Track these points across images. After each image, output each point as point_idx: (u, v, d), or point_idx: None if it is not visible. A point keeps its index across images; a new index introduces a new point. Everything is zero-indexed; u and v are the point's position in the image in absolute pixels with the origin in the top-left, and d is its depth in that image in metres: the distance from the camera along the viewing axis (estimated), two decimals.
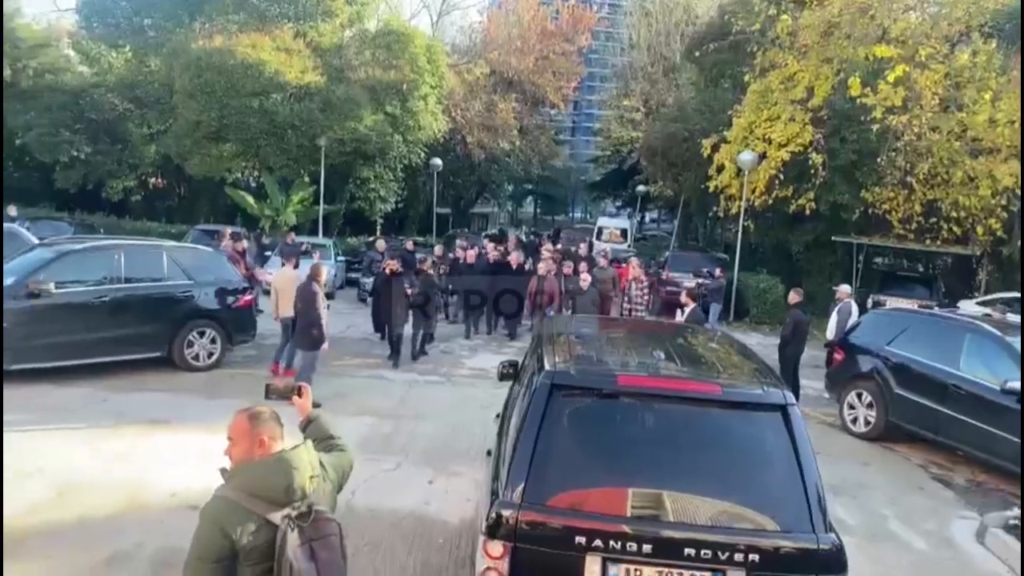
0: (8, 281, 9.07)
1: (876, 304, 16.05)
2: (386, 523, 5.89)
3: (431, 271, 13.17)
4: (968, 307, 14.62)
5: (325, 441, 3.13)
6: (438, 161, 28.46)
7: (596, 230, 31.21)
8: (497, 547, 3.48)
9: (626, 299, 13.97)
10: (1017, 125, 14.72)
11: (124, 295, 9.74)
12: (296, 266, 11.20)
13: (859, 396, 9.71)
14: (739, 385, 4.20)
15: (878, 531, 6.61)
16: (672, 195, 31.39)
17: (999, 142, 15.54)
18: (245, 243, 14.57)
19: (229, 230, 16.46)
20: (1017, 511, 6.62)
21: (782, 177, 18.02)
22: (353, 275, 19.97)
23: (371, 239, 23.87)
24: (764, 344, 13.95)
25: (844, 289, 12.44)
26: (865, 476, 8.15)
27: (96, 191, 28.02)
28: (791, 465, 3.63)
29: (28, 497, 5.88)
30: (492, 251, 16.69)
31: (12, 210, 18.29)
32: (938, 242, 18.26)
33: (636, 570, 3.44)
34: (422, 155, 28.90)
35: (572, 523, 3.51)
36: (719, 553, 3.39)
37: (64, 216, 24.29)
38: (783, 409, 3.81)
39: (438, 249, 17.15)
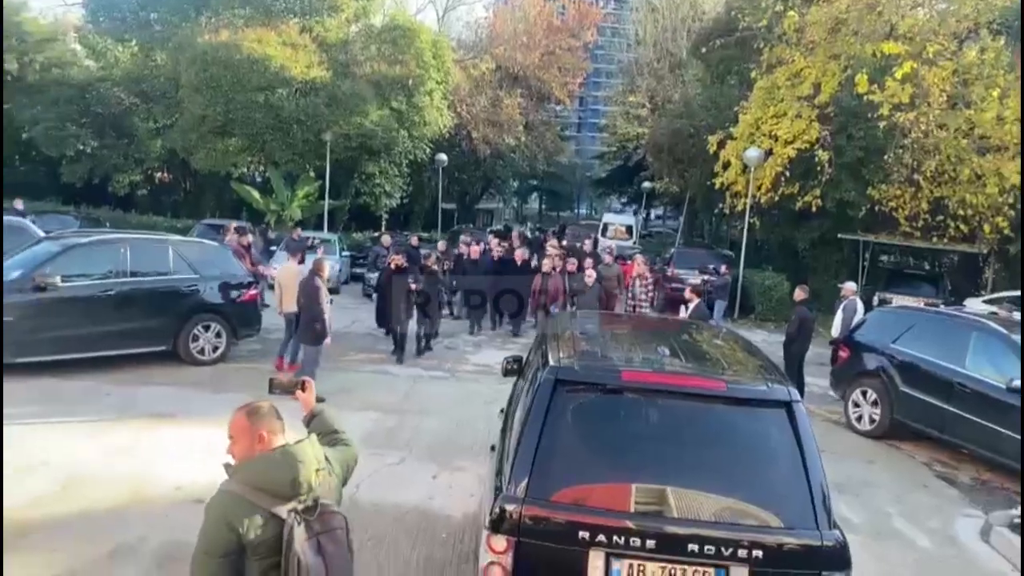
0: (15, 274, 9.11)
1: (882, 302, 15.99)
2: (390, 517, 5.90)
3: (435, 267, 13.18)
4: (974, 305, 14.55)
5: (329, 435, 3.12)
6: (443, 157, 28.42)
7: (601, 226, 31.18)
8: (501, 542, 3.48)
9: (630, 296, 13.95)
10: None
11: (130, 289, 9.76)
12: (301, 261, 11.21)
13: (864, 394, 9.68)
14: (744, 381, 4.19)
15: (882, 529, 6.60)
16: (678, 192, 31.36)
17: (1007, 140, 15.47)
18: (250, 237, 14.59)
19: (234, 224, 16.47)
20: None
21: (788, 174, 17.97)
22: (358, 270, 19.98)
23: (376, 234, 23.88)
24: (769, 341, 13.92)
25: (850, 286, 12.40)
26: (869, 474, 8.13)
27: (102, 185, 28.07)
28: (795, 462, 3.62)
29: (33, 490, 5.91)
30: (496, 247, 16.68)
31: (19, 204, 18.32)
32: (945, 240, 18.18)
33: (640, 566, 3.43)
34: (427, 150, 28.89)
35: (576, 518, 3.50)
36: (723, 549, 3.38)
37: (70, 210, 24.30)
38: (788, 405, 3.80)
39: (441, 245, 17.13)
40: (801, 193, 18.30)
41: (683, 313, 10.36)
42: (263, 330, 11.51)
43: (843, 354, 10.42)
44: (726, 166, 19.12)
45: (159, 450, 6.98)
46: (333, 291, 15.23)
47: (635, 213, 42.94)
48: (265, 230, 20.61)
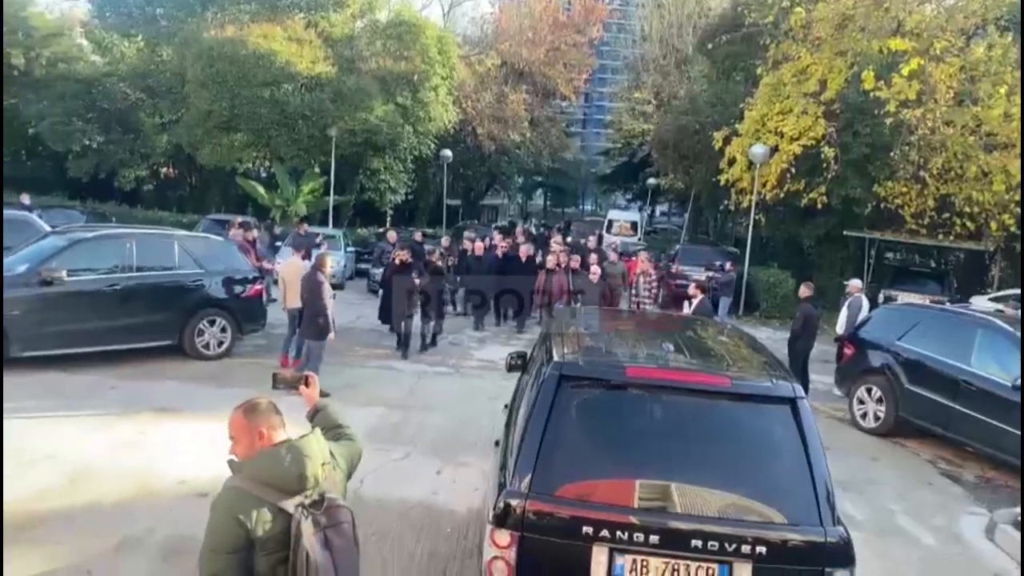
0: (21, 268, 9.15)
1: (887, 299, 15.96)
2: (394, 512, 5.92)
3: (440, 263, 13.18)
4: (980, 303, 14.52)
5: (333, 430, 3.12)
6: (448, 152, 28.43)
7: (606, 223, 31.13)
8: (504, 536, 3.49)
9: (633, 293, 13.93)
10: None
11: (135, 283, 9.80)
12: (305, 257, 11.21)
13: (869, 391, 9.66)
14: (748, 378, 4.18)
15: (886, 526, 6.59)
16: (683, 188, 31.29)
17: (1014, 137, 15.37)
18: (255, 232, 14.61)
19: (238, 219, 16.51)
20: None
21: (794, 171, 17.91)
22: (363, 266, 20.00)
23: (381, 230, 23.91)
24: (774, 338, 13.91)
25: (855, 283, 12.37)
26: (874, 471, 8.12)
27: (108, 180, 28.18)
28: (799, 458, 3.62)
29: (40, 483, 5.94)
30: (501, 243, 16.65)
31: (25, 198, 18.39)
32: (951, 237, 18.12)
33: (643, 561, 3.44)
34: (432, 146, 28.90)
35: (579, 513, 3.51)
36: (726, 545, 3.38)
37: (76, 205, 24.43)
38: (792, 402, 3.79)
39: (445, 240, 17.13)
40: (807, 190, 18.24)
41: (686, 309, 10.36)
42: (268, 325, 11.54)
43: (848, 351, 10.40)
44: (731, 162, 19.06)
45: (164, 444, 7.01)
46: (338, 287, 15.28)
47: (640, 209, 42.85)
48: (271, 225, 20.64)
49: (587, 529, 3.45)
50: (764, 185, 18.52)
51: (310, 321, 9.29)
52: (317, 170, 26.18)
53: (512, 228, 25.72)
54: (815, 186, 18.12)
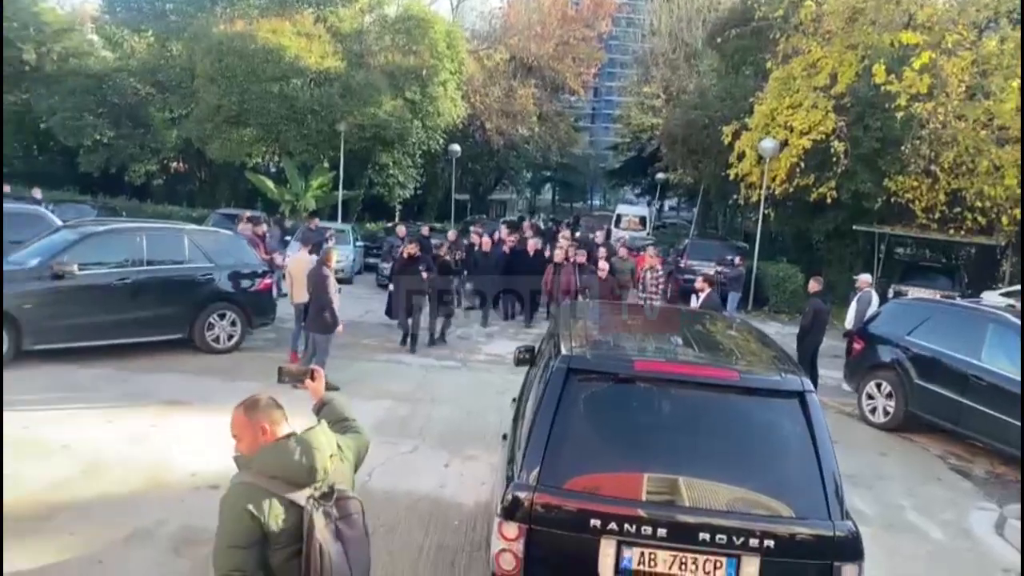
0: (33, 262, 9.22)
1: (897, 294, 15.88)
2: (402, 505, 5.94)
3: (447, 256, 13.18)
4: (991, 298, 14.43)
5: (340, 423, 3.11)
6: (457, 147, 28.43)
7: (615, 217, 31.11)
8: (512, 529, 3.50)
9: (640, 287, 13.89)
10: None
11: (146, 277, 9.85)
12: (313, 251, 11.21)
13: (878, 386, 9.63)
14: (756, 371, 4.17)
15: (895, 521, 6.57)
16: (692, 183, 31.24)
17: None
18: (264, 227, 14.65)
19: (247, 214, 16.56)
20: None
21: (803, 165, 17.84)
22: (372, 260, 20.04)
23: (390, 225, 23.95)
24: (783, 333, 13.87)
25: (864, 278, 12.31)
26: (883, 466, 8.11)
27: (119, 175, 28.31)
28: (808, 452, 3.61)
29: (55, 474, 6.01)
30: (508, 239, 16.58)
31: (37, 193, 18.53)
32: (962, 232, 17.97)
33: (651, 554, 3.44)
34: (441, 141, 28.90)
35: (587, 506, 3.51)
36: (734, 538, 3.38)
37: (87, 199, 24.54)
38: (801, 396, 3.79)
39: (452, 234, 17.10)
40: (816, 184, 18.16)
41: (694, 303, 10.32)
42: (278, 319, 11.59)
43: (857, 346, 10.36)
44: (741, 157, 18.99)
45: (175, 437, 7.05)
46: (347, 281, 15.31)
47: (649, 204, 42.84)
48: (281, 220, 20.68)
49: (595, 522, 3.45)
50: (773, 180, 18.45)
51: (316, 315, 9.29)
52: (326, 165, 26.22)
53: (520, 223, 25.71)
54: (825, 180, 18.03)
